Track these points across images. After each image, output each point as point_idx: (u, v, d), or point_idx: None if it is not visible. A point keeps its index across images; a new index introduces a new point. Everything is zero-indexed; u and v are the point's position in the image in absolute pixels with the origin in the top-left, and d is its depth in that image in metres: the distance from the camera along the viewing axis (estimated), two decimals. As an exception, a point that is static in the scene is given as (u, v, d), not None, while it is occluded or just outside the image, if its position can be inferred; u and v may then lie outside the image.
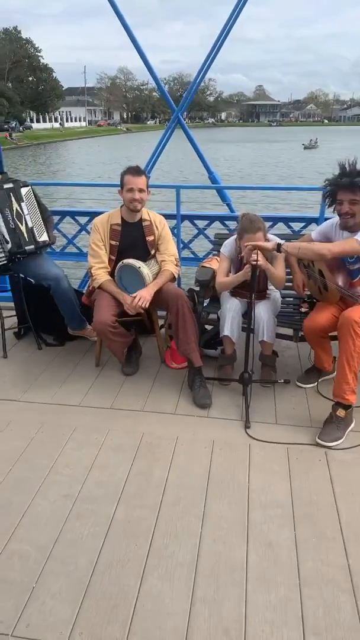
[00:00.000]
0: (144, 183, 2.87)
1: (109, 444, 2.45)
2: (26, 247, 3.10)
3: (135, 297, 2.79)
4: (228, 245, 2.93)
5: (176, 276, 3.07)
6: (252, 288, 2.63)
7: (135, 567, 1.78)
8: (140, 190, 2.85)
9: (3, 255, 3.08)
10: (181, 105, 4.16)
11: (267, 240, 2.72)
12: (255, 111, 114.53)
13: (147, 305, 2.83)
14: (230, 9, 3.93)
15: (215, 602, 1.64)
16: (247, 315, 2.72)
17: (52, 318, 3.46)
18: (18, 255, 3.11)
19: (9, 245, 3.04)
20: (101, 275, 2.96)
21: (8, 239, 3.03)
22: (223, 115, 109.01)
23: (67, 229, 4.29)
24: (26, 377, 3.10)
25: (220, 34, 4.03)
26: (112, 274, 2.98)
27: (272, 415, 2.68)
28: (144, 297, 2.79)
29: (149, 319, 3.26)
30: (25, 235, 3.11)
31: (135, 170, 2.88)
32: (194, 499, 2.09)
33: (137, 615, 1.61)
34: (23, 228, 3.10)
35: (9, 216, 3.03)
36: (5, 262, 3.10)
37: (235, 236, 2.88)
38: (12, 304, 3.65)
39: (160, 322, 3.39)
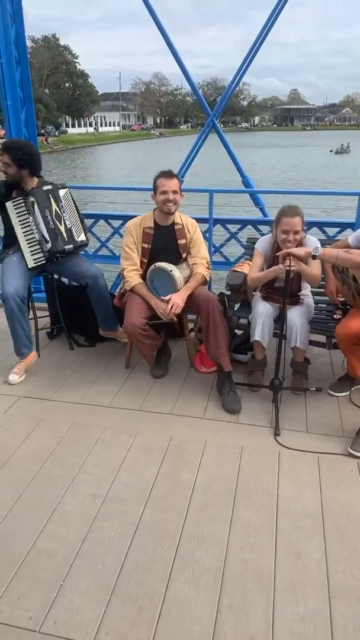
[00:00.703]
0: (177, 185, 2.89)
1: (137, 446, 2.46)
2: (65, 247, 3.17)
3: (168, 303, 2.81)
4: (263, 242, 2.91)
5: (207, 279, 3.07)
6: (284, 293, 2.60)
7: (162, 570, 1.78)
8: (174, 192, 2.87)
9: (42, 255, 3.14)
10: (216, 110, 4.16)
11: (304, 230, 2.70)
12: (289, 115, 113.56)
13: (179, 311, 2.84)
14: (265, 13, 3.92)
15: (242, 610, 1.62)
16: (280, 321, 2.69)
17: (83, 319, 3.51)
18: (58, 255, 3.17)
19: (49, 245, 3.10)
20: (133, 277, 2.99)
21: (48, 239, 3.09)
22: (256, 120, 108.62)
23: (100, 232, 4.35)
24: (58, 376, 3.15)
25: (257, 38, 4.02)
26: (143, 276, 3.01)
27: (303, 424, 2.63)
28: (176, 304, 2.80)
29: (179, 323, 3.27)
30: (65, 235, 3.17)
31: (168, 174, 2.90)
32: (221, 504, 2.07)
33: (162, 618, 1.60)
34: (62, 228, 3.16)
35: (49, 217, 3.10)
36: (44, 262, 3.16)
37: (270, 235, 2.86)
38: (45, 305, 3.72)
39: (190, 325, 3.39)
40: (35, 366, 3.28)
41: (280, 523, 1.97)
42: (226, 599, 1.66)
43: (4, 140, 3.18)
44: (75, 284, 3.45)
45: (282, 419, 2.61)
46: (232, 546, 1.87)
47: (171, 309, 2.79)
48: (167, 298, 2.83)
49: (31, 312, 3.50)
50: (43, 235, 3.09)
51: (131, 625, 1.58)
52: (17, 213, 3.08)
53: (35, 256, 3.13)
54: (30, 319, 3.50)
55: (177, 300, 2.81)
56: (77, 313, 3.56)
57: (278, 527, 1.96)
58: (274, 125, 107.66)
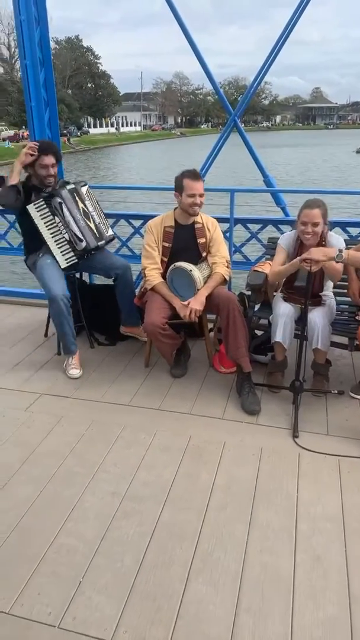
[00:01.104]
0: (202, 187, 2.90)
1: (156, 445, 2.47)
2: (99, 243, 3.21)
3: (187, 308, 2.82)
4: (287, 238, 2.88)
5: (227, 279, 3.05)
6: (306, 293, 2.57)
7: (180, 570, 1.78)
8: (201, 195, 2.88)
9: (73, 254, 3.15)
10: (238, 109, 4.13)
11: (326, 224, 2.67)
12: (311, 114, 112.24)
13: (200, 315, 2.85)
14: (286, 11, 3.87)
15: (261, 614, 1.61)
16: (301, 322, 2.66)
17: (104, 318, 3.54)
18: (92, 252, 3.20)
19: (83, 244, 3.12)
20: (154, 276, 3.00)
21: (82, 237, 3.12)
22: (278, 119, 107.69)
23: (120, 231, 4.37)
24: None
25: (280, 36, 3.96)
26: (164, 275, 3.02)
27: (324, 426, 2.60)
28: (195, 309, 2.82)
29: (198, 323, 3.25)
30: (95, 231, 3.20)
31: (194, 175, 2.90)
32: (240, 505, 2.06)
33: (181, 619, 1.60)
34: (92, 225, 3.19)
35: (79, 215, 3.12)
36: (76, 260, 3.18)
37: (295, 231, 2.83)
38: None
39: (210, 325, 3.38)
40: (56, 364, 3.31)
41: (300, 526, 1.95)
42: (245, 602, 1.65)
43: (34, 142, 3.20)
44: (96, 284, 3.48)
45: (303, 422, 2.58)
46: (251, 548, 1.85)
47: (190, 314, 2.81)
48: (185, 303, 2.84)
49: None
50: (75, 235, 3.11)
51: (149, 624, 1.59)
52: (41, 215, 3.08)
53: (66, 256, 3.15)
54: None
55: (196, 305, 2.82)
56: (98, 312, 3.58)
57: (298, 530, 1.93)
58: (296, 124, 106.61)
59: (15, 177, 3.03)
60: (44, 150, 3.03)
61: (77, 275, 3.57)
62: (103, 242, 3.25)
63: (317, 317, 2.69)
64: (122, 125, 74.03)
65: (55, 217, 3.10)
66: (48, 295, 3.04)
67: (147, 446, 2.46)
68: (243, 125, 4.23)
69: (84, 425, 2.64)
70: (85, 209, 3.18)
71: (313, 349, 2.77)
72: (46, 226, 3.10)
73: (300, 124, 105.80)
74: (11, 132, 44.29)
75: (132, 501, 2.10)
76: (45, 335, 3.72)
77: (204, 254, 3.06)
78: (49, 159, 3.04)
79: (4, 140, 40.67)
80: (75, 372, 3.15)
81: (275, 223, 3.94)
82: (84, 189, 3.24)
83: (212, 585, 1.71)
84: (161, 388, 3.01)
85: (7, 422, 2.68)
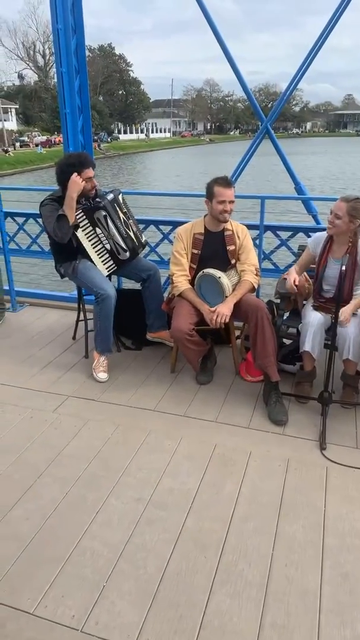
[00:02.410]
0: (233, 194, 2.89)
1: (181, 452, 2.46)
2: (138, 251, 3.27)
3: (214, 313, 2.80)
4: (315, 238, 2.88)
5: (256, 287, 3.03)
6: (337, 302, 2.53)
7: (204, 580, 1.76)
8: (231, 202, 2.88)
9: (112, 263, 3.19)
10: (270, 116, 4.13)
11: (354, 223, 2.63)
12: (342, 121, 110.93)
13: (227, 320, 2.83)
14: (317, 19, 3.86)
15: (286, 630, 1.57)
16: (331, 331, 2.61)
17: (131, 322, 3.56)
18: (132, 259, 3.24)
19: (127, 254, 3.17)
20: (182, 283, 3.00)
21: (126, 247, 3.16)
22: (308, 125, 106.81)
23: (149, 237, 4.39)
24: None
25: (315, 43, 3.94)
26: (192, 282, 3.01)
27: (353, 439, 2.54)
28: (222, 313, 2.80)
29: (225, 329, 3.25)
30: (135, 240, 3.24)
31: (225, 182, 2.89)
32: (266, 517, 2.03)
33: (204, 629, 1.58)
34: (132, 234, 3.23)
35: (121, 226, 3.15)
36: (115, 268, 3.23)
37: (325, 233, 2.80)
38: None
39: (236, 332, 3.35)
40: (83, 366, 3.35)
41: (327, 541, 1.91)
42: (269, 616, 1.62)
43: (69, 153, 3.24)
44: (124, 288, 3.50)
45: (331, 434, 2.53)
46: (276, 561, 1.82)
47: (217, 318, 2.79)
48: (213, 309, 2.83)
49: (81, 313, 3.59)
50: (119, 245, 3.15)
51: (172, 633, 1.57)
52: (82, 227, 3.11)
53: (107, 265, 3.20)
54: (81, 320, 3.59)
55: (223, 310, 2.81)
56: (125, 316, 3.61)
57: (325, 545, 1.89)
58: (326, 131, 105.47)
59: (72, 214, 3.03)
60: (84, 164, 3.06)
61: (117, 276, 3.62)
62: (141, 249, 3.31)
63: (349, 327, 2.63)
64: (152, 132, 74.76)
65: (96, 229, 3.12)
66: (99, 294, 3.08)
67: (172, 453, 2.45)
68: (273, 132, 4.21)
69: (110, 429, 2.65)
70: (125, 218, 3.22)
71: (343, 360, 2.72)
72: (87, 237, 3.13)
73: (329, 131, 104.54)
74: (43, 138, 45.31)
75: (157, 508, 2.09)
76: (74, 338, 3.76)
77: (233, 261, 3.05)
78: (90, 172, 3.08)
79: (36, 145, 41.64)
80: (104, 375, 3.17)
81: (306, 231, 3.89)
82: (120, 197, 3.27)
83: (236, 597, 1.69)
84: (187, 394, 3.00)
85: (35, 423, 2.72)
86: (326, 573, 1.77)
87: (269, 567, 1.80)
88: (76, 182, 2.99)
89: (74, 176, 2.99)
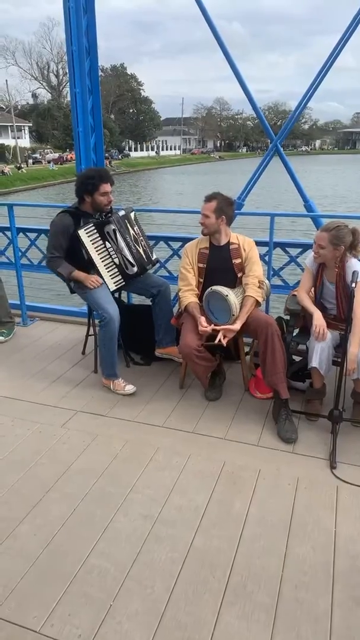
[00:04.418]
0: (210, 208, 2.93)
1: (189, 469, 2.44)
2: (147, 267, 3.30)
3: (207, 328, 2.84)
4: (311, 259, 2.88)
5: (260, 300, 3.01)
6: (347, 320, 2.52)
7: (212, 600, 1.73)
8: (205, 216, 2.95)
9: (121, 278, 3.23)
10: (280, 134, 4.17)
11: (339, 249, 2.65)
12: (351, 139, 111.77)
13: (224, 344, 2.85)
14: (323, 38, 3.93)
15: (296, 654, 1.54)
16: (341, 349, 2.60)
17: (140, 338, 3.57)
18: (140, 275, 3.27)
19: (135, 269, 3.21)
20: (187, 297, 3.03)
21: (134, 263, 3.20)
22: (317, 143, 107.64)
23: (159, 253, 4.43)
24: (113, 393, 3.20)
25: (325, 63, 4.00)
26: (200, 297, 3.03)
27: (363, 458, 2.50)
28: (224, 333, 2.84)
29: (234, 345, 3.24)
30: (144, 256, 3.28)
31: (206, 197, 3.00)
32: (275, 537, 2.00)
33: (212, 652, 1.55)
34: (141, 250, 3.27)
35: (131, 242, 3.20)
36: (123, 283, 3.26)
37: None
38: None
39: (246, 348, 3.35)
40: (92, 381, 3.35)
41: (338, 563, 1.87)
42: (278, 639, 1.59)
43: (90, 168, 3.31)
44: (134, 303, 3.52)
45: (341, 452, 2.50)
46: (286, 584, 1.79)
47: (219, 335, 2.82)
48: (210, 326, 2.86)
49: (91, 328, 3.61)
50: (128, 260, 3.18)
51: (179, 655, 1.54)
52: (92, 240, 3.15)
53: (115, 279, 3.23)
54: (91, 335, 3.61)
55: (227, 333, 2.84)
56: (134, 331, 3.62)
57: (335, 567, 1.86)
58: (335, 149, 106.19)
59: (71, 276, 3.18)
60: (102, 178, 3.11)
61: (116, 294, 3.63)
62: (150, 265, 3.34)
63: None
64: (163, 149, 75.74)
65: (106, 243, 3.17)
66: (103, 317, 3.09)
67: (180, 470, 2.43)
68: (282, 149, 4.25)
69: (118, 445, 2.64)
70: (135, 234, 3.26)
71: (353, 379, 2.70)
72: (96, 250, 3.17)
73: (338, 149, 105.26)
74: (56, 155, 46.17)
75: (165, 525, 2.08)
76: (83, 352, 3.78)
77: (239, 275, 3.06)
78: (108, 186, 3.14)
79: (48, 162, 42.41)
80: (130, 387, 3.19)
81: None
82: (132, 215, 3.32)
83: (244, 619, 1.66)
84: (195, 410, 2.99)
85: (44, 438, 2.72)
86: (337, 597, 1.74)
87: (278, 589, 1.77)
88: (92, 282, 3.13)
89: (95, 278, 3.14)
